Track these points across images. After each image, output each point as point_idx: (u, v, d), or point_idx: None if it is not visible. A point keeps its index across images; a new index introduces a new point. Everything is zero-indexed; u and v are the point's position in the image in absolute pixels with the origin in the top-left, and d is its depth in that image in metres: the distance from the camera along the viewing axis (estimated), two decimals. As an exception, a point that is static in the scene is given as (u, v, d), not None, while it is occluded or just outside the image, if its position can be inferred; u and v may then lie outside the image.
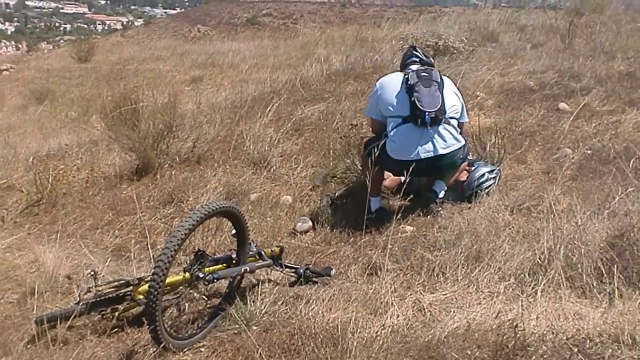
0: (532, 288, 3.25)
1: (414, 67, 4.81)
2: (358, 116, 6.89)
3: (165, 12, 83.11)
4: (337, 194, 5.28)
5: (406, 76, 4.64)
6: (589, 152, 5.49)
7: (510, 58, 9.39)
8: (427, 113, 4.45)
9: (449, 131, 4.58)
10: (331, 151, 5.80)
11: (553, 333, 2.66)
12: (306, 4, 33.13)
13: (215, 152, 6.47)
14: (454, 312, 3.15)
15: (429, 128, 4.48)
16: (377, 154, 4.57)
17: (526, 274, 3.41)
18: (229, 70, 13.30)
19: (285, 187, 5.68)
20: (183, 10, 61.09)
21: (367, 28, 16.76)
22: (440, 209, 4.64)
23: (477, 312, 3.10)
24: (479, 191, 4.84)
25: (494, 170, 5.03)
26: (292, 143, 6.64)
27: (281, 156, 6.31)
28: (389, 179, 5.10)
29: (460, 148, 4.63)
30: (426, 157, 4.49)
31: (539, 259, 3.45)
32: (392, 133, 4.59)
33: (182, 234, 2.99)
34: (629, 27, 11.03)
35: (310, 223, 4.85)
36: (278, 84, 9.49)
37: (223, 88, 11.01)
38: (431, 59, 5.15)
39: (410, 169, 4.38)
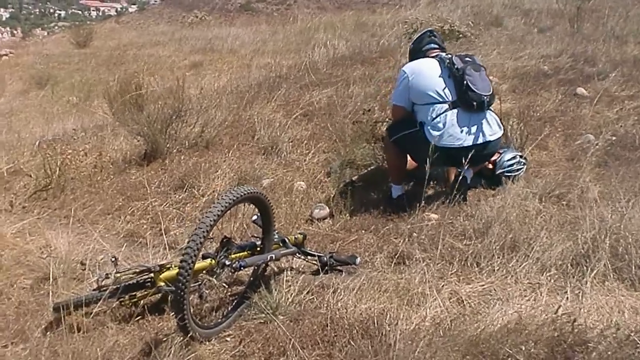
0: (576, 279, 3.11)
1: (443, 53, 4.62)
2: (369, 101, 6.75)
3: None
4: (353, 179, 5.13)
5: (447, 60, 4.43)
6: (613, 138, 5.34)
7: (518, 42, 9.28)
8: (484, 97, 4.28)
9: (494, 117, 4.44)
10: (347, 136, 5.63)
11: (615, 328, 2.51)
12: (299, -11, 32.72)
13: (224, 137, 6.32)
14: (494, 304, 3.02)
15: (482, 113, 4.34)
16: (408, 143, 4.46)
17: (569, 265, 3.27)
18: (229, 56, 13.10)
19: (298, 173, 5.55)
20: (177, -4, 60.29)
21: (366, 13, 16.59)
22: (467, 195, 4.50)
23: (522, 304, 2.96)
24: (507, 174, 4.71)
25: (523, 156, 4.89)
26: (302, 128, 6.49)
27: (291, 142, 6.16)
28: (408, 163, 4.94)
29: (502, 136, 4.49)
30: (475, 143, 4.31)
31: (582, 249, 3.30)
32: (436, 120, 4.37)
33: (211, 220, 2.86)
34: (638, 11, 10.90)
35: (327, 210, 4.71)
36: (282, 68, 9.33)
37: (224, 73, 10.83)
38: (445, 45, 4.99)
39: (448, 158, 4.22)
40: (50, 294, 3.65)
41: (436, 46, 4.74)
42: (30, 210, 5.14)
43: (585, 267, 3.17)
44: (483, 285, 3.28)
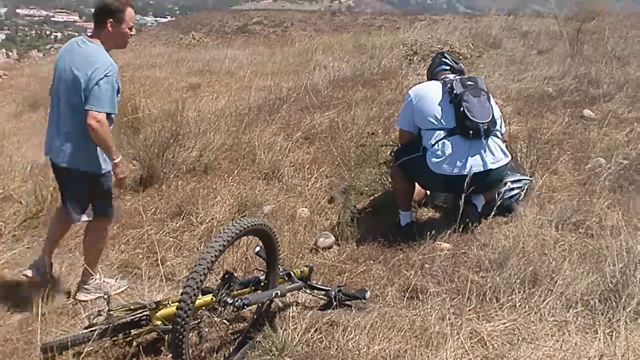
0: (606, 317, 2.89)
1: (451, 75, 4.46)
2: (371, 124, 6.57)
3: (156, 20, 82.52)
4: (358, 206, 4.90)
5: (448, 85, 4.26)
6: (626, 161, 5.16)
7: (519, 64, 9.17)
8: (480, 125, 4.10)
9: (498, 145, 4.26)
10: (350, 160, 5.44)
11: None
12: (296, 12, 32.99)
13: (223, 162, 6.14)
14: (520, 345, 2.79)
15: (482, 140, 4.16)
16: (412, 167, 4.27)
17: (596, 301, 3.05)
18: (227, 77, 12.89)
19: (301, 199, 5.35)
20: (174, 18, 60.50)
21: (364, 35, 16.50)
22: (478, 224, 4.30)
23: (551, 346, 2.73)
24: (504, 201, 4.49)
25: (521, 180, 4.68)
26: (303, 152, 6.32)
27: (293, 166, 5.97)
28: (415, 190, 4.74)
29: (507, 163, 4.30)
30: (475, 172, 4.13)
31: (611, 283, 3.09)
32: (435, 147, 4.22)
33: (212, 256, 2.65)
34: (638, 32, 10.83)
35: (332, 238, 4.50)
36: (282, 90, 9.15)
37: (223, 95, 10.62)
38: (461, 64, 4.80)
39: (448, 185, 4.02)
40: (39, 331, 3.41)
41: (447, 67, 4.58)
42: (20, 239, 4.92)
43: (615, 304, 2.95)
44: (505, 323, 3.05)
